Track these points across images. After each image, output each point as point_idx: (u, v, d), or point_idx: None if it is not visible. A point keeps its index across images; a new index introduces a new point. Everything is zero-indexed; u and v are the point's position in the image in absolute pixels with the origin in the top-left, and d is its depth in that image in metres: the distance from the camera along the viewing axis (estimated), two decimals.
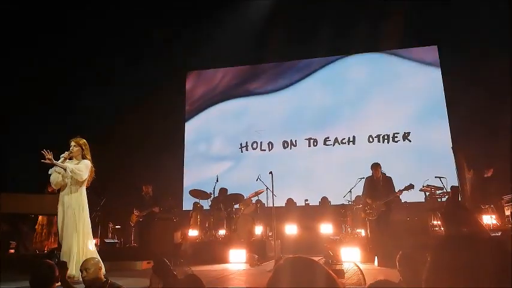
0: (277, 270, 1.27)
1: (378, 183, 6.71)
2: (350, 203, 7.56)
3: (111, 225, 8.07)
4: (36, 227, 7.15)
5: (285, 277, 1.23)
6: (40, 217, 7.16)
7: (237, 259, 6.45)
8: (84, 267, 3.15)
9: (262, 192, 7.60)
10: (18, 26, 8.36)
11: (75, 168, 4.70)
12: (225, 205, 8.12)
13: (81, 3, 8.59)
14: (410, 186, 6.40)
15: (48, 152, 4.57)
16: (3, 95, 8.34)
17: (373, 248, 6.00)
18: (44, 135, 7.54)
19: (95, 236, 7.29)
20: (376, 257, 5.65)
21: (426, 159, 8.77)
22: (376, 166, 6.80)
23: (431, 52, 9.59)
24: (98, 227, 7.56)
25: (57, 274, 2.77)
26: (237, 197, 8.32)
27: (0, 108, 8.32)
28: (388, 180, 6.74)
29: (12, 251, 7.18)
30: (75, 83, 9.30)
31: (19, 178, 7.65)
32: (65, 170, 4.65)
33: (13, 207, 7.08)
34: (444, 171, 7.37)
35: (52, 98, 9.00)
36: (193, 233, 7.91)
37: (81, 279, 4.51)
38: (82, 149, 4.87)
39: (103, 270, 3.36)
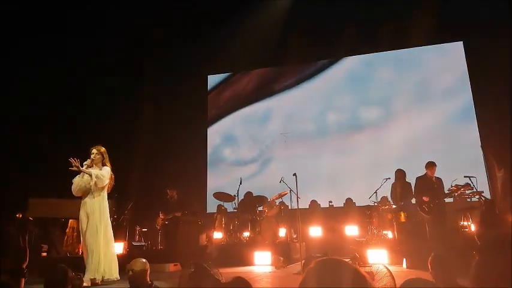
0: (309, 271, 1.27)
1: (433, 183, 6.58)
2: (375, 204, 7.44)
3: (138, 228, 8.21)
4: (67, 230, 7.36)
5: (318, 278, 1.24)
6: (70, 221, 7.37)
7: (262, 261, 6.46)
8: (130, 268, 3.13)
9: (286, 194, 7.59)
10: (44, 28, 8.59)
11: (100, 173, 4.93)
12: (250, 207, 8.16)
13: (102, 6, 8.76)
14: (467, 186, 6.25)
15: (75, 160, 4.81)
16: (34, 100, 8.65)
17: (401, 250, 5.88)
18: (71, 142, 7.80)
19: (123, 238, 7.45)
20: (404, 259, 5.54)
21: (454, 159, 8.53)
22: (431, 165, 6.64)
23: (457, 48, 9.34)
24: (126, 230, 7.72)
25: (70, 277, 2.76)
26: (261, 199, 8.34)
27: (30, 114, 8.64)
28: (440, 180, 6.63)
29: (44, 254, 7.41)
30: (101, 89, 9.52)
31: (49, 183, 7.90)
32: (91, 176, 4.87)
33: (44, 211, 7.32)
34: (473, 171, 7.14)
35: (79, 104, 9.25)
36: (217, 235, 7.96)
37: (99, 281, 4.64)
38: (103, 156, 5.09)
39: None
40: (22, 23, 8.51)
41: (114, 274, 4.86)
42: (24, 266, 2.42)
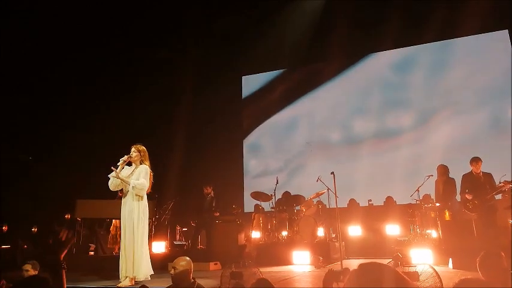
0: (352, 275, 1.27)
1: (479, 179, 6.31)
2: (418, 202, 7.20)
3: (178, 227, 8.42)
4: (111, 228, 7.66)
5: (362, 280, 1.24)
6: (114, 221, 7.68)
7: (300, 261, 6.43)
8: (174, 265, 3.16)
9: (324, 193, 7.50)
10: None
11: (138, 184, 4.94)
12: (287, 207, 8.15)
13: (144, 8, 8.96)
14: None
15: (115, 169, 4.93)
16: (79, 103, 9.06)
17: (447, 249, 5.66)
18: (115, 145, 8.08)
19: (165, 238, 7.67)
20: (450, 259, 5.32)
21: (501, 154, 8.07)
22: (476, 160, 6.34)
23: (502, 37, 8.83)
24: (167, 230, 7.93)
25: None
26: (298, 199, 8.31)
27: (74, 117, 9.06)
28: (490, 176, 6.32)
29: (91, 253, 7.76)
30: (147, 93, 9.85)
31: (96, 185, 8.26)
32: (129, 185, 4.94)
33: (90, 212, 7.66)
34: None
35: (126, 108, 9.59)
36: (255, 234, 8.00)
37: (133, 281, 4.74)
38: (140, 154, 5.16)
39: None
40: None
41: (149, 273, 4.92)
42: (61, 257, 2.34)
